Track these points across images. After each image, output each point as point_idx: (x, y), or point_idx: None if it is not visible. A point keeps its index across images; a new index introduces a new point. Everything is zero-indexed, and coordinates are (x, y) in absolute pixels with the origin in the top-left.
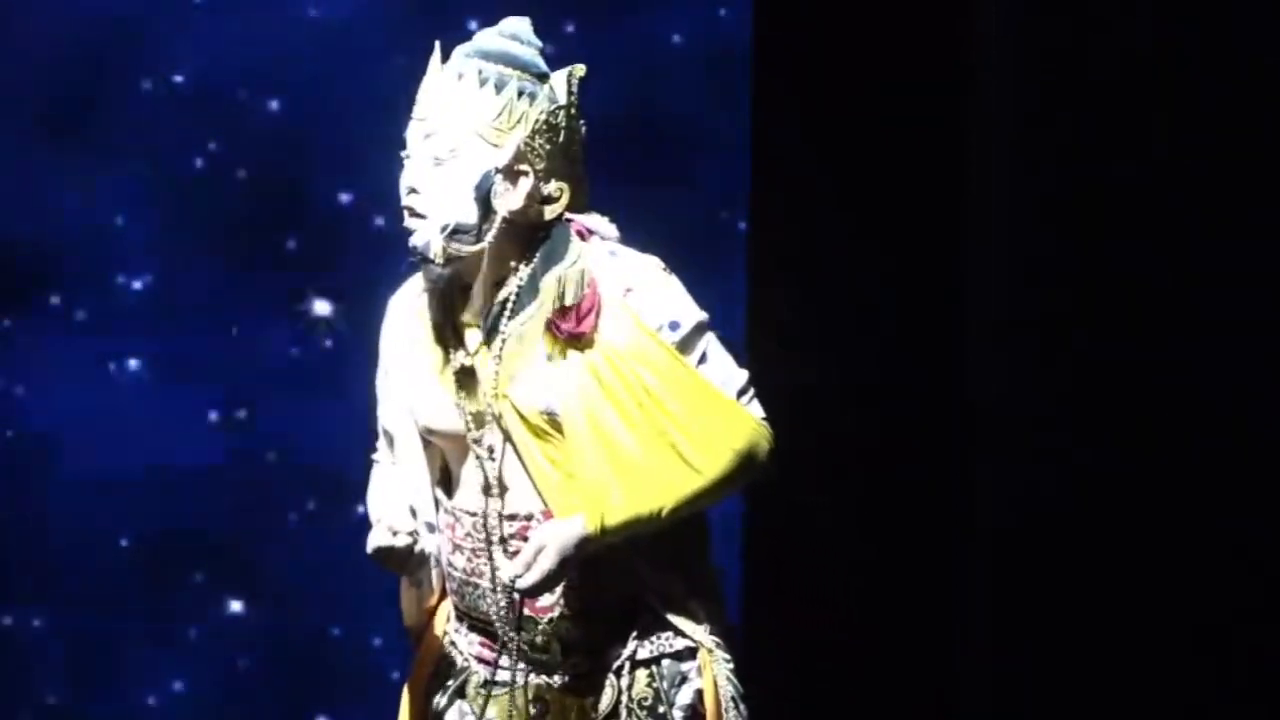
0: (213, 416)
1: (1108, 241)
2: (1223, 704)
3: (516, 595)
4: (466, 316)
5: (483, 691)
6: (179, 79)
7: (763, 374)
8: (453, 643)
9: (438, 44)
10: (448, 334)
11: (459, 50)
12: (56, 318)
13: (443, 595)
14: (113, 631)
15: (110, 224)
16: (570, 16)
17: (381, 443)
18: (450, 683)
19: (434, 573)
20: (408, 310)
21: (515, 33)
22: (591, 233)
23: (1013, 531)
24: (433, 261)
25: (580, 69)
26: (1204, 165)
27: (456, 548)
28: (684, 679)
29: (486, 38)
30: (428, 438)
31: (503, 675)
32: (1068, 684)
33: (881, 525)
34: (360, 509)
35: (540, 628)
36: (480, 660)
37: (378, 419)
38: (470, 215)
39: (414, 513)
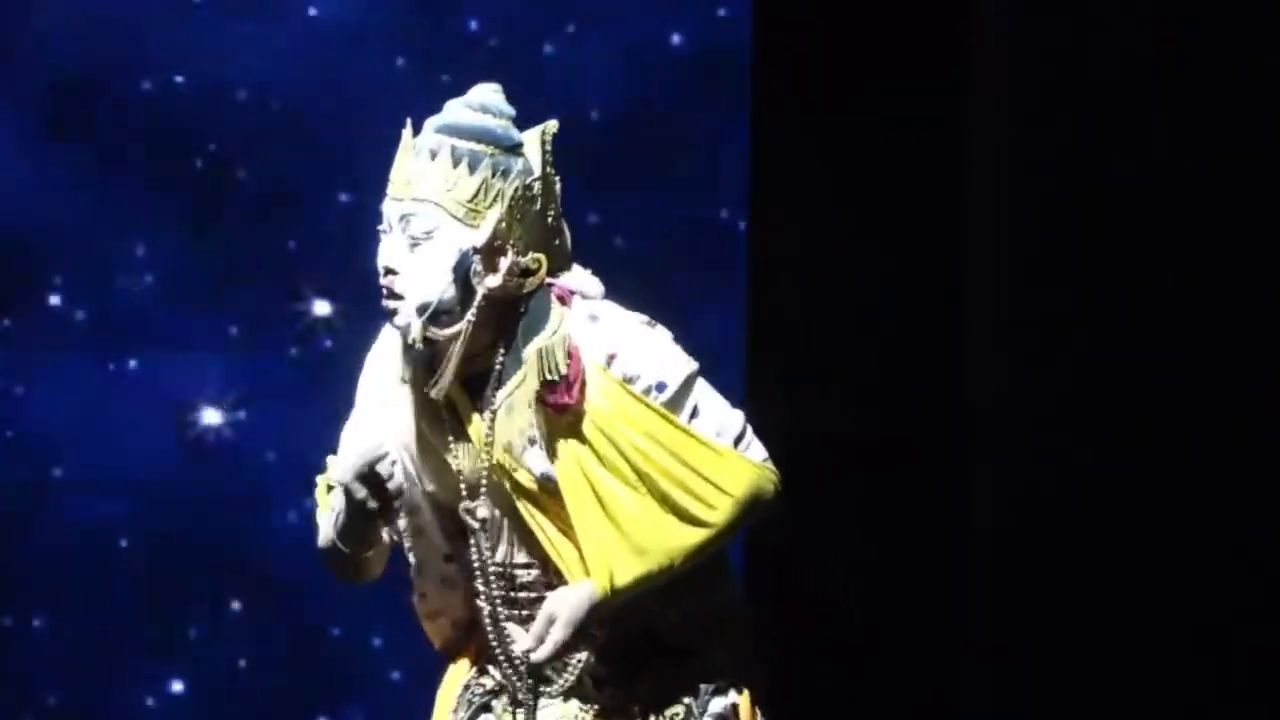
0: (212, 416)
1: (1108, 241)
2: (1223, 704)
3: (528, 668)
4: (459, 386)
5: (510, 709)
6: (179, 79)
7: (763, 374)
8: (487, 668)
9: (409, 121)
10: (437, 406)
11: (430, 124)
12: (56, 318)
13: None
14: (112, 631)
15: (110, 224)
16: (570, 16)
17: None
18: (478, 699)
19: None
20: (390, 374)
21: (485, 104)
22: (573, 294)
23: (1013, 531)
24: (412, 344)
25: (552, 126)
26: (1204, 165)
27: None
28: (716, 692)
29: (457, 112)
30: (434, 501)
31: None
32: (1068, 684)
33: (881, 525)
34: None
35: (570, 670)
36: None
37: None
38: (450, 295)
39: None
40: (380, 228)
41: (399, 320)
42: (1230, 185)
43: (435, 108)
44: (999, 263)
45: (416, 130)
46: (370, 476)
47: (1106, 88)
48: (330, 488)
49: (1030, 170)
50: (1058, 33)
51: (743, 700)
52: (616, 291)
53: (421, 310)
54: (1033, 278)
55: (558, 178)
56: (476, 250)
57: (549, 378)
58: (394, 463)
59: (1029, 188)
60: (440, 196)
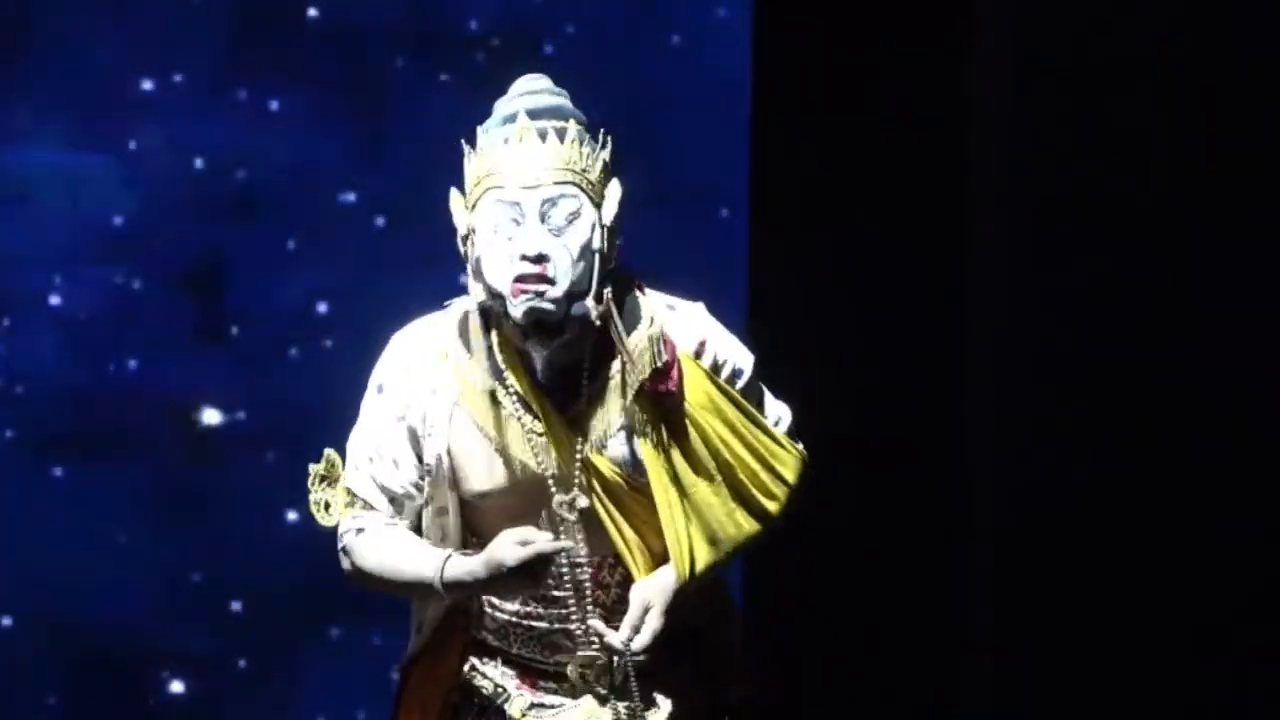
0: (212, 416)
1: (1108, 241)
2: (1223, 704)
3: (629, 658)
4: (531, 380)
5: (530, 713)
6: (179, 79)
7: (763, 374)
8: (474, 670)
9: (521, 109)
10: (512, 396)
11: (526, 110)
12: (56, 318)
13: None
14: (110, 630)
15: (109, 224)
16: (570, 17)
17: (362, 508)
18: (475, 705)
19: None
20: (434, 372)
21: (550, 87)
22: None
23: (1013, 531)
24: (565, 329)
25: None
26: (1204, 166)
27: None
28: (731, 679)
29: (545, 98)
30: (474, 501)
31: (552, 700)
32: (1068, 684)
33: (881, 525)
34: None
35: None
36: (520, 688)
37: (361, 483)
38: (592, 277)
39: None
40: (513, 218)
41: (548, 307)
42: (1230, 185)
43: (436, 106)
44: (999, 262)
45: (472, 136)
46: (536, 564)
47: (1106, 89)
48: (350, 497)
49: (1031, 170)
50: (1058, 38)
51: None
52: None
53: (573, 296)
54: (1033, 278)
55: None
56: (605, 226)
57: (659, 365)
58: (451, 464)
59: (1030, 187)
60: (580, 178)
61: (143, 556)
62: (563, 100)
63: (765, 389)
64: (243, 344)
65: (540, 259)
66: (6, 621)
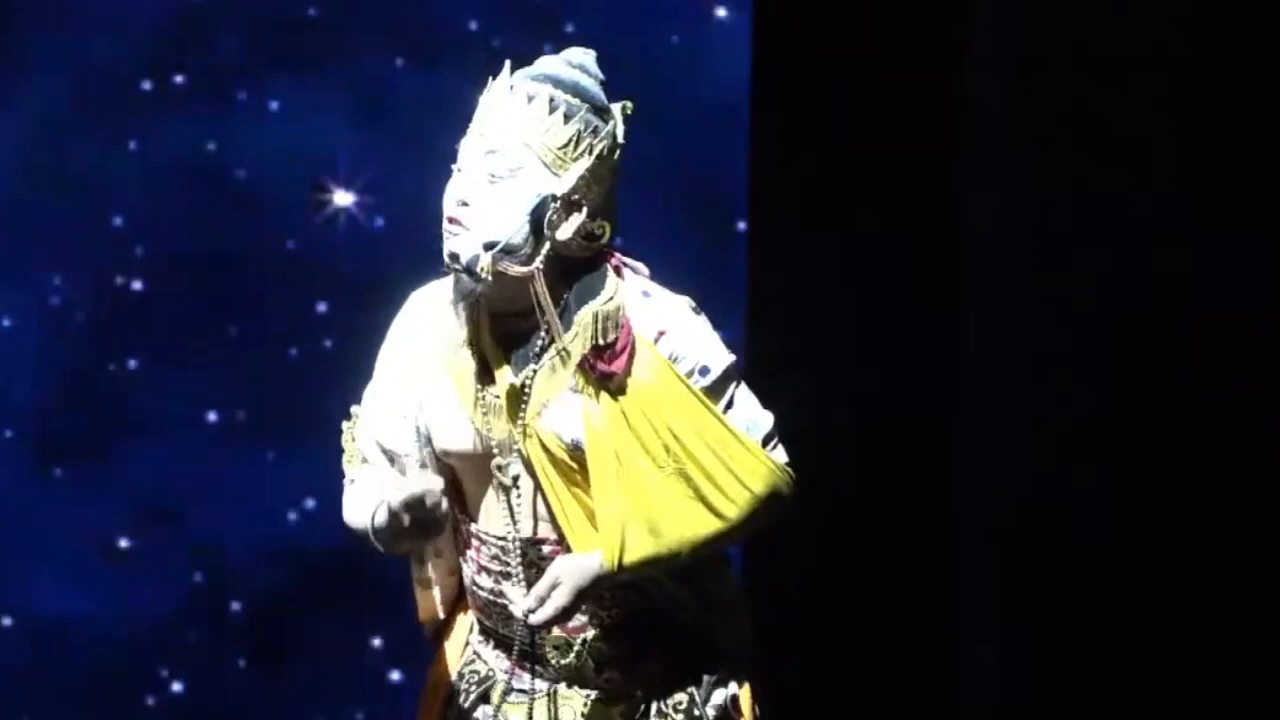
0: (211, 416)
1: (1108, 242)
2: (1223, 704)
3: (529, 627)
4: (494, 343)
5: (509, 700)
6: (179, 79)
7: (763, 374)
8: (476, 654)
9: (508, 63)
10: (474, 359)
11: (524, 73)
12: (56, 318)
13: (461, 602)
14: (110, 630)
15: (109, 224)
16: (570, 16)
17: (361, 462)
18: (474, 688)
19: (447, 548)
20: (427, 329)
21: (583, 64)
22: (627, 267)
23: (1013, 531)
24: (475, 274)
25: (629, 106)
26: (1204, 167)
27: (482, 569)
28: (718, 684)
29: (555, 64)
30: (444, 459)
31: (532, 684)
32: (1068, 684)
33: (881, 525)
34: None
35: (574, 649)
36: (507, 671)
37: (361, 438)
38: (521, 236)
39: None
40: (454, 166)
41: (461, 249)
42: (1230, 185)
43: (435, 108)
44: (1000, 261)
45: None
46: (417, 508)
47: (1106, 90)
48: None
49: (1030, 168)
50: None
51: (744, 693)
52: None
53: (490, 246)
54: (1034, 276)
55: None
56: (556, 198)
57: (600, 342)
58: (441, 498)
59: (1029, 185)
60: (531, 138)
61: (142, 556)
62: (581, 78)
63: (743, 396)
64: (242, 343)
65: (461, 204)
66: (7, 621)
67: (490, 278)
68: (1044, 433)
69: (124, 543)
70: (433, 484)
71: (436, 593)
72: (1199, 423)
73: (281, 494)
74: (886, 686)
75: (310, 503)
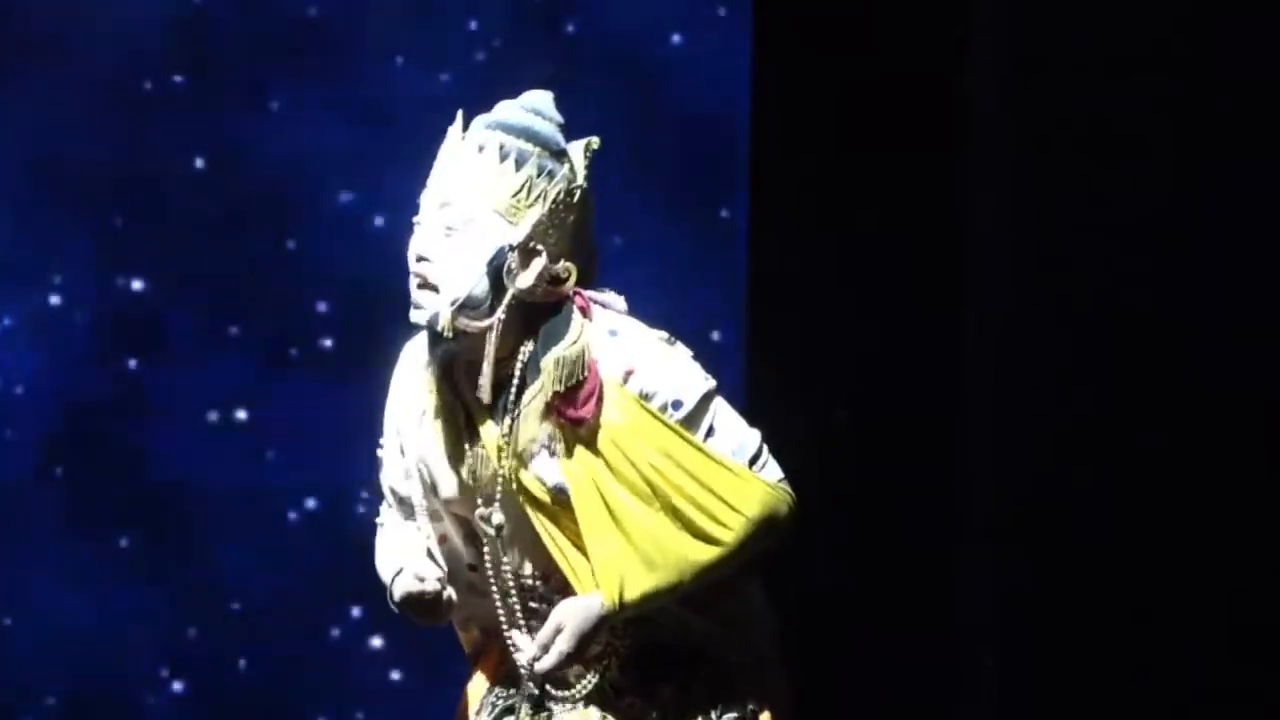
0: (212, 416)
1: (1108, 242)
2: (1223, 704)
3: (535, 675)
4: (473, 394)
5: (531, 715)
6: (179, 79)
7: (763, 374)
8: (509, 674)
9: (460, 112)
10: (456, 411)
11: (479, 121)
12: (56, 317)
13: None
14: (110, 630)
15: (109, 224)
16: (570, 16)
17: (388, 505)
18: (501, 702)
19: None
20: (414, 381)
21: (537, 107)
22: (596, 304)
23: (1013, 531)
24: (441, 336)
25: (595, 141)
26: (1205, 167)
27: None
28: (737, 703)
29: (509, 110)
30: (450, 510)
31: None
32: (1068, 685)
33: (880, 525)
34: (360, 508)
35: (590, 680)
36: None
37: (383, 481)
38: (481, 289)
39: (433, 558)
40: (415, 219)
41: (428, 307)
42: (1231, 185)
43: (435, 108)
44: (1000, 260)
45: (465, 128)
46: (414, 604)
47: (1107, 91)
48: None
49: (1030, 168)
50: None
51: (765, 716)
52: (616, 292)
53: (453, 302)
54: (1033, 278)
55: (591, 196)
56: (513, 247)
57: (561, 388)
58: (439, 586)
59: (1029, 184)
60: (483, 189)
61: (143, 556)
62: (534, 122)
63: (725, 420)
64: (242, 343)
65: (420, 259)
66: (7, 621)
67: (451, 335)
68: (1044, 433)
69: (124, 542)
70: (428, 582)
71: (475, 631)
72: (1199, 423)
73: (282, 494)
74: (887, 687)
75: (311, 502)
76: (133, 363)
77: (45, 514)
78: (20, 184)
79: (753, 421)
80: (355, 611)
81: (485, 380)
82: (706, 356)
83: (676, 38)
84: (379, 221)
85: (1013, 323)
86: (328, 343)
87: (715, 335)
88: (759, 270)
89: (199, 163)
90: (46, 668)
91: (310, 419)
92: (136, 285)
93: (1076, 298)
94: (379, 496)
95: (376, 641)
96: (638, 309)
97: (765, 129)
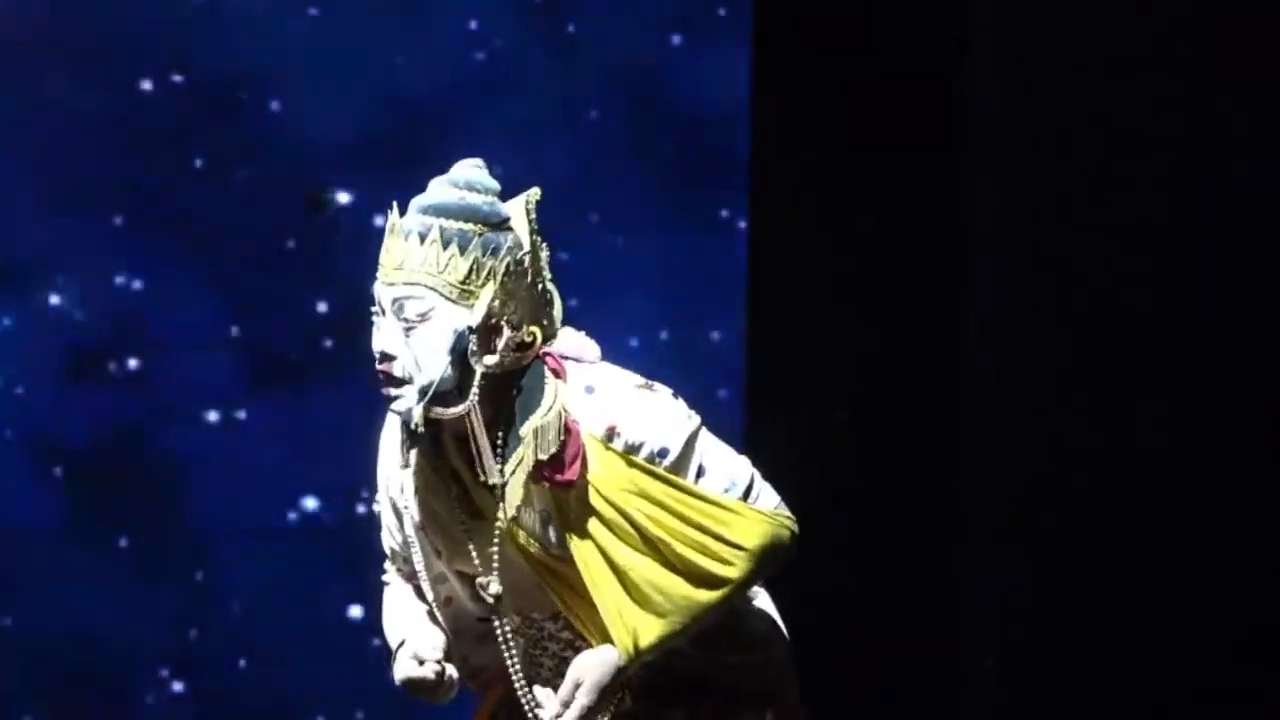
0: (212, 416)
1: (1108, 243)
2: (1223, 704)
3: None
4: (461, 465)
5: None
6: (178, 79)
7: (763, 374)
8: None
9: (395, 204)
10: (447, 480)
11: (415, 205)
12: (56, 317)
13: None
14: (110, 631)
15: (109, 224)
16: (570, 16)
17: (391, 563)
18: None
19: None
20: (401, 451)
21: (469, 181)
22: (567, 359)
23: (1013, 531)
24: (415, 430)
25: (535, 194)
26: (1205, 167)
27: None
28: (746, 710)
29: (443, 191)
30: (458, 571)
31: None
32: (1068, 685)
33: (880, 525)
34: (360, 508)
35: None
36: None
37: (383, 541)
38: (449, 376)
39: (437, 621)
40: (373, 310)
41: (399, 406)
42: (1232, 186)
43: (435, 107)
44: (1000, 261)
45: (402, 212)
46: (415, 688)
47: (1107, 91)
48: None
49: (1030, 167)
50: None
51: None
52: (617, 291)
53: (423, 394)
54: (1033, 278)
55: (544, 244)
56: (472, 330)
57: (544, 456)
58: (438, 670)
59: (1029, 183)
60: (433, 279)
61: (143, 556)
62: (468, 197)
63: (713, 458)
64: (242, 343)
65: (385, 358)
66: (7, 621)
67: (424, 426)
68: (1044, 433)
69: (124, 542)
70: (427, 666)
71: (497, 687)
72: (1199, 423)
73: (282, 493)
74: (887, 687)
75: (310, 502)
76: (133, 363)
77: (45, 514)
78: (20, 184)
79: (753, 422)
80: (355, 611)
81: (488, 462)
82: (706, 356)
83: (676, 38)
84: (379, 221)
85: (1013, 323)
86: (328, 343)
87: (715, 335)
88: (759, 270)
89: (199, 163)
90: (47, 668)
91: (310, 419)
92: (136, 285)
93: (1076, 298)
94: (382, 556)
95: (376, 641)
96: (638, 309)
97: (765, 129)
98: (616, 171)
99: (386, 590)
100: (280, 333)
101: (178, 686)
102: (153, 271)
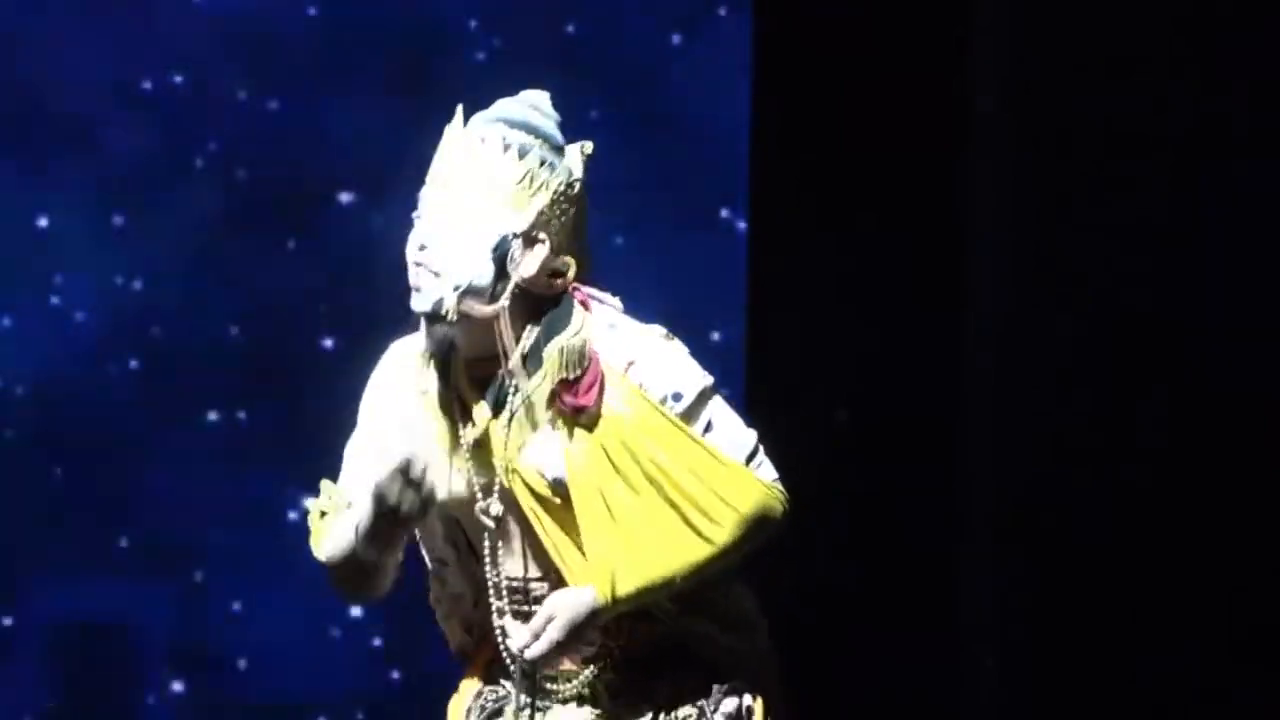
0: (212, 416)
1: (1108, 241)
2: (1223, 704)
3: (525, 663)
4: (470, 387)
5: (517, 714)
6: (178, 79)
7: (763, 374)
8: (500, 679)
9: (460, 107)
10: (452, 405)
11: (479, 116)
12: (56, 317)
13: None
14: (110, 630)
15: (109, 224)
16: (570, 17)
17: (329, 496)
18: (490, 704)
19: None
20: (401, 380)
21: (536, 103)
22: (594, 299)
23: (1013, 531)
24: (443, 319)
25: (589, 146)
26: (1205, 167)
27: (494, 610)
28: (729, 692)
29: (508, 105)
30: (446, 511)
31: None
32: (1068, 685)
33: (880, 525)
34: None
35: (584, 679)
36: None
37: (349, 482)
38: (485, 277)
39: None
40: (414, 214)
41: (430, 294)
42: (1232, 186)
43: (435, 107)
44: (1000, 261)
45: (464, 123)
46: (405, 475)
47: (1107, 91)
48: (324, 514)
49: (1030, 167)
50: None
51: (757, 705)
52: (616, 292)
53: (457, 288)
54: (1033, 278)
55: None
56: (517, 235)
57: (567, 376)
58: (424, 468)
59: (1030, 182)
60: (486, 178)
61: (143, 556)
62: (533, 116)
63: (722, 417)
64: (242, 343)
65: (422, 247)
66: (7, 621)
67: (456, 319)
68: (1044, 433)
69: (124, 542)
70: (406, 454)
71: (457, 624)
72: (1199, 423)
73: (281, 494)
74: (887, 687)
75: (310, 502)
76: (133, 363)
77: (45, 514)
78: (20, 184)
79: (752, 421)
80: (355, 611)
81: (515, 364)
82: (706, 356)
83: (676, 38)
84: (379, 221)
85: (1013, 323)
86: (328, 343)
87: (715, 335)
88: (759, 270)
89: (199, 163)
90: (46, 667)
91: (310, 419)
92: (136, 285)
93: (1076, 298)
94: (317, 536)
95: (376, 641)
96: (638, 309)
97: (765, 129)
98: (616, 172)
99: (322, 520)
100: (280, 333)
101: (178, 686)
102: (153, 271)
